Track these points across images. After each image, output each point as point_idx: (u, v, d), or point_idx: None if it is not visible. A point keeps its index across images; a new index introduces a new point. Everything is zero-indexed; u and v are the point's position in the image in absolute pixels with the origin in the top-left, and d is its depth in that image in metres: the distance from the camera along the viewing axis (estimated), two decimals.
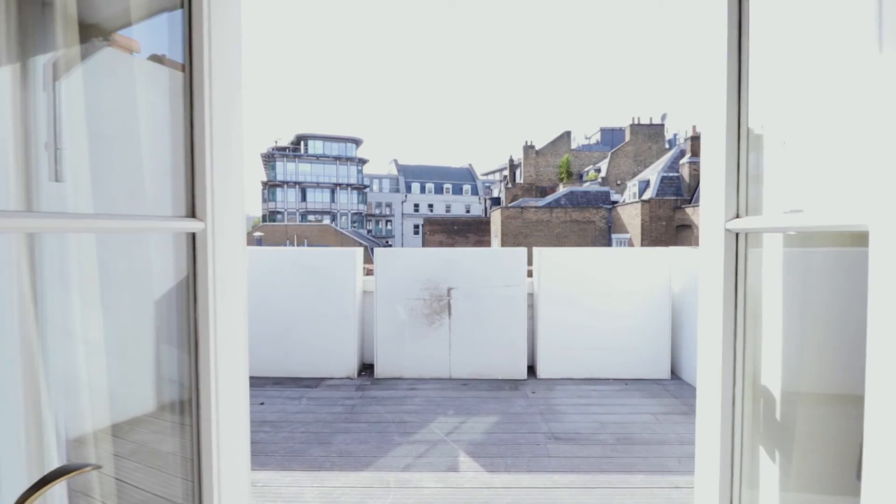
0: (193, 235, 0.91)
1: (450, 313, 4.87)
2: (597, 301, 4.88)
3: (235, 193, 0.99)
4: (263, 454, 3.24)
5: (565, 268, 4.93)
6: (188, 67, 0.92)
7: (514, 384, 4.70)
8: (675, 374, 4.97)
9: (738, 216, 0.94)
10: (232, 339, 1.01)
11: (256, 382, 4.73)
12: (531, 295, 5.10)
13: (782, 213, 0.97)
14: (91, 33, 1.06)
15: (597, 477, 2.97)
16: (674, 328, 4.98)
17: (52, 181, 1.05)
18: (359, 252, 5.09)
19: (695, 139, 28.74)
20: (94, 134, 1.05)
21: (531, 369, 5.06)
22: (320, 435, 3.53)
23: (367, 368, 5.16)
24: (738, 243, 0.94)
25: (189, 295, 0.92)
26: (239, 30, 1.04)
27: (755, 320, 0.96)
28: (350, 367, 4.93)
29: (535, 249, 5.00)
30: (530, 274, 5.13)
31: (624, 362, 4.87)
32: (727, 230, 0.94)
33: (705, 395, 1.07)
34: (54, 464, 1.06)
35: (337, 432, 3.58)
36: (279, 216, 60.55)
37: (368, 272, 5.79)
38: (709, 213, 0.99)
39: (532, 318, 5.07)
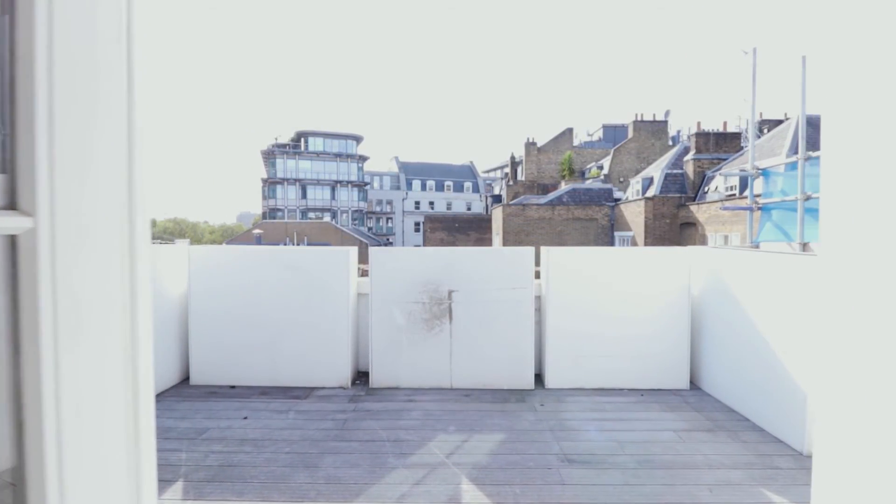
0: (13, 239, 0.55)
1: (451, 318, 4.50)
2: (610, 305, 4.50)
3: (113, 176, 0.63)
4: (241, 480, 2.89)
5: (575, 269, 4.55)
6: None
7: (520, 395, 4.33)
8: (694, 383, 4.60)
9: None
10: (95, 402, 0.65)
11: (242, 393, 4.38)
12: (538, 298, 4.73)
13: None
14: None
15: None
16: (693, 334, 4.61)
17: None
18: (353, 251, 4.71)
19: (699, 136, 28.14)
20: None
21: (539, 379, 4.70)
22: (306, 456, 3.17)
23: (361, 377, 4.80)
24: None
25: (7, 330, 0.56)
26: None
27: None
28: (343, 375, 4.56)
29: (543, 249, 4.62)
30: (537, 275, 4.75)
31: (639, 371, 4.50)
32: None
33: (834, 471, 0.71)
34: None
35: (326, 453, 3.22)
36: (279, 213, 60.23)
37: (364, 273, 5.42)
38: (856, 206, 0.63)
39: (539, 324, 4.70)
